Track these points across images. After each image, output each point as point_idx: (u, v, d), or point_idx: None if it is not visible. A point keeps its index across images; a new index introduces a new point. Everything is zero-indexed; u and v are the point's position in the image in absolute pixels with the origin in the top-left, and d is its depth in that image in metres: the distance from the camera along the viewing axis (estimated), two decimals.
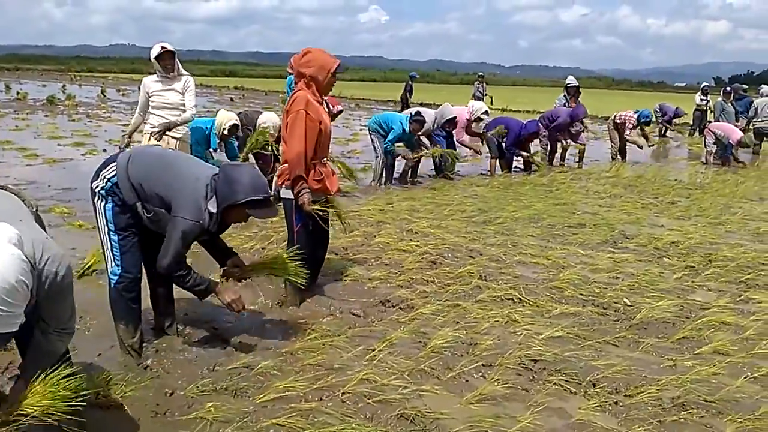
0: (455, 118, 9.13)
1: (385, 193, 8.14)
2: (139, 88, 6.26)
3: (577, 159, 11.62)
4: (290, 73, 10.78)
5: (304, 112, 3.91)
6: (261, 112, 7.88)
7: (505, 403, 3.04)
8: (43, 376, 2.17)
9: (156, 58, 5.72)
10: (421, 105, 22.99)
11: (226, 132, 7.02)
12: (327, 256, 5.02)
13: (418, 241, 5.72)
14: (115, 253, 3.20)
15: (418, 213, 6.95)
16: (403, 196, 7.93)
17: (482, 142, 10.22)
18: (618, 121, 12.10)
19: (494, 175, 9.98)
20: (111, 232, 3.18)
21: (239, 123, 7.14)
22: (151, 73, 5.98)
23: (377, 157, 8.76)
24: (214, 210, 3.09)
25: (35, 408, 2.09)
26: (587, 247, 5.80)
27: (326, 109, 4.17)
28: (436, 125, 9.10)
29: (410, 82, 20.19)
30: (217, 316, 3.94)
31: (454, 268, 4.96)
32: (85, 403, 2.22)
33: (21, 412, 2.10)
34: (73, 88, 31.71)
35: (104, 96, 26.37)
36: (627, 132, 12.06)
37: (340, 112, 8.72)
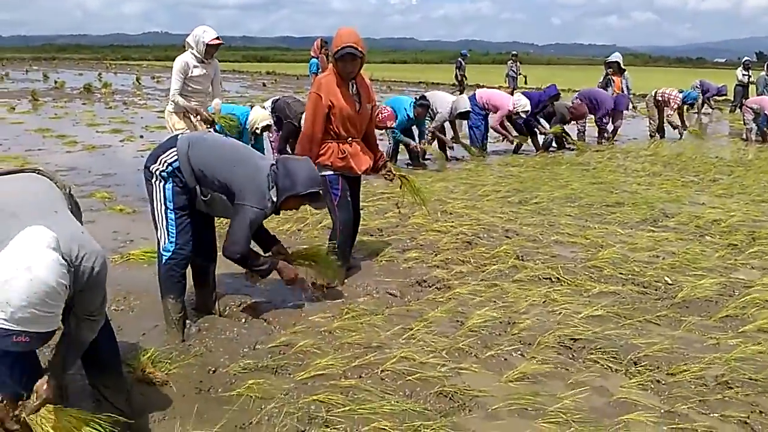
0: (469, 112, 9.02)
1: (418, 175, 8.11)
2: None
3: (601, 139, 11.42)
4: (313, 57, 10.85)
5: (314, 94, 4.04)
6: (298, 100, 7.92)
7: (545, 381, 3.02)
8: (80, 414, 2.20)
9: (208, 44, 5.70)
10: (454, 85, 22.79)
11: (258, 131, 7.11)
12: (362, 238, 5.08)
13: (453, 221, 5.70)
14: (170, 230, 3.33)
15: (453, 194, 6.92)
16: (437, 177, 7.90)
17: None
18: (660, 99, 11.83)
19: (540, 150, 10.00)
20: (168, 211, 3.31)
21: (272, 124, 7.23)
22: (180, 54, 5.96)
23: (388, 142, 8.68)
24: (275, 199, 3.32)
25: None
26: (626, 226, 5.71)
27: (352, 92, 4.13)
28: (450, 115, 8.90)
29: (462, 61, 19.89)
30: (257, 297, 3.99)
31: (490, 248, 4.94)
32: None
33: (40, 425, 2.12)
34: (109, 76, 32.28)
35: (139, 83, 26.74)
36: (670, 112, 11.79)
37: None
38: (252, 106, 7.53)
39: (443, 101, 8.90)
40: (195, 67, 5.81)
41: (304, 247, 4.24)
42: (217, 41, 5.75)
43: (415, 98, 8.58)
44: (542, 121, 10.26)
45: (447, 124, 9.26)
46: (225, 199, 3.34)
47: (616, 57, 12.00)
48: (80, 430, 2.13)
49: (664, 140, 11.70)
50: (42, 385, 2.16)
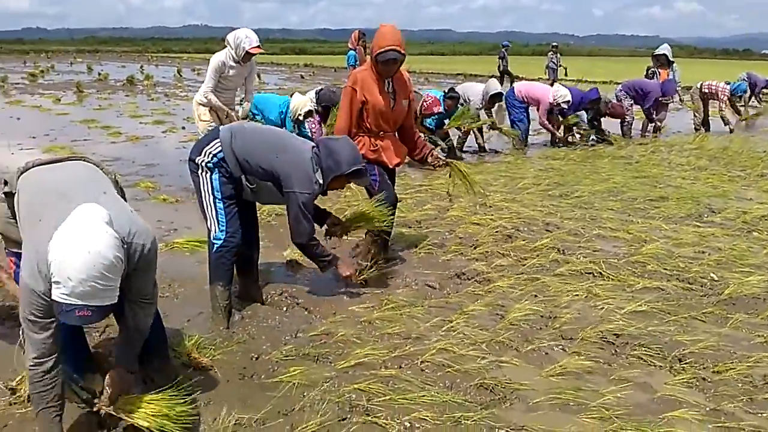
0: (501, 94, 8.91)
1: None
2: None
3: (647, 131, 11.18)
4: (350, 49, 10.85)
5: (350, 88, 4.09)
6: (334, 92, 7.94)
7: (587, 376, 2.99)
8: (157, 392, 2.33)
9: (248, 51, 5.73)
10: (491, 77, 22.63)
11: (301, 117, 7.15)
12: (401, 230, 5.10)
13: (492, 214, 5.67)
14: (220, 219, 3.41)
15: (492, 187, 6.87)
16: (476, 170, 7.84)
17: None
18: (706, 91, 11.52)
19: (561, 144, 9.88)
20: (217, 200, 3.39)
21: (313, 110, 7.26)
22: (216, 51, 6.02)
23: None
24: (321, 181, 3.41)
25: (149, 420, 2.23)
26: (671, 221, 5.60)
27: (388, 90, 4.12)
28: (483, 102, 8.83)
29: (504, 52, 19.68)
30: (298, 286, 4.04)
31: (531, 242, 4.90)
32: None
33: (131, 419, 2.25)
34: (150, 68, 32.87)
35: (180, 76, 27.16)
36: (722, 106, 11.49)
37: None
38: (292, 95, 7.57)
39: (475, 91, 8.87)
40: (231, 67, 5.87)
41: (353, 212, 4.30)
42: (257, 50, 5.78)
43: (444, 91, 8.53)
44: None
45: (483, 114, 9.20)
46: (271, 185, 3.42)
47: (664, 49, 11.67)
48: (151, 410, 2.25)
49: (709, 134, 11.40)
50: (112, 378, 2.28)
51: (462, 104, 8.69)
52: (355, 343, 3.25)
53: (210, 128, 5.76)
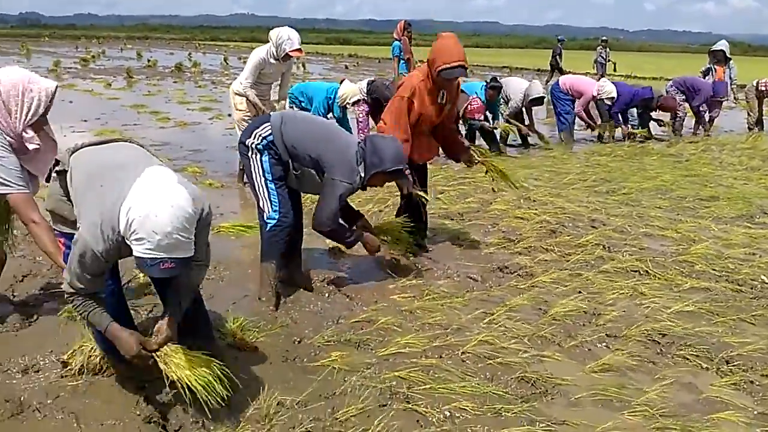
0: (542, 98, 8.77)
1: (501, 161, 7.99)
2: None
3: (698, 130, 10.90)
4: (395, 39, 10.77)
5: (407, 100, 3.95)
6: (387, 86, 7.91)
7: (631, 374, 2.95)
8: (201, 354, 2.40)
9: (288, 53, 5.73)
10: (539, 71, 22.34)
11: (350, 105, 7.18)
12: (443, 221, 5.12)
13: (536, 209, 5.61)
14: (273, 199, 3.49)
15: (536, 181, 6.80)
16: (520, 164, 7.78)
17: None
18: (762, 89, 11.15)
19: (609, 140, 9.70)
20: (269, 182, 3.48)
21: (362, 99, 7.28)
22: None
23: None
24: (363, 174, 3.46)
25: (190, 376, 2.30)
26: (721, 221, 5.46)
27: (441, 100, 4.08)
28: (522, 103, 8.65)
29: (559, 46, 19.35)
30: (340, 273, 4.07)
31: (575, 238, 4.83)
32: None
33: (173, 374, 2.31)
34: (198, 56, 33.39)
35: (227, 63, 27.52)
36: None
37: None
38: (342, 81, 7.59)
39: (516, 89, 8.67)
40: (270, 64, 5.88)
41: (385, 220, 4.35)
42: (298, 53, 5.80)
43: (486, 81, 8.42)
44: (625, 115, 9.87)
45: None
46: (315, 174, 3.46)
47: (721, 45, 11.35)
48: (197, 368, 2.33)
49: (763, 133, 11.04)
50: (163, 325, 2.37)
51: (502, 99, 8.57)
52: (396, 332, 3.27)
53: (246, 118, 5.84)
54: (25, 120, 2.81)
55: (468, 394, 2.71)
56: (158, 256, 2.01)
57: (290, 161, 3.47)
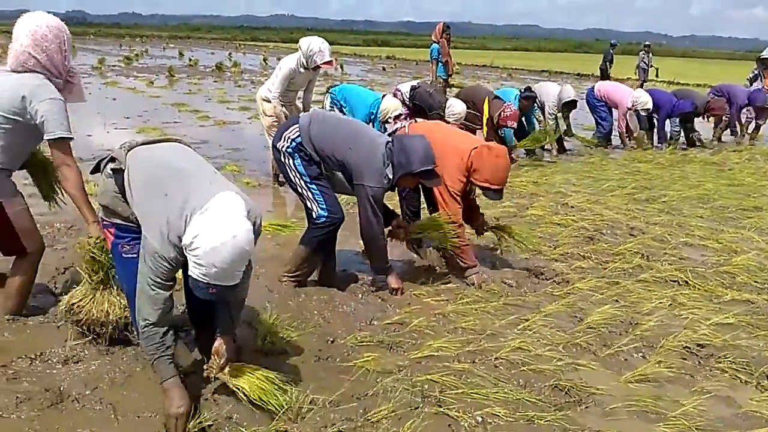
0: (576, 101, 8.64)
1: (538, 166, 7.92)
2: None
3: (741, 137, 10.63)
4: (434, 42, 10.68)
5: (462, 184, 3.89)
6: (436, 90, 7.86)
7: (668, 385, 2.90)
8: (260, 371, 2.55)
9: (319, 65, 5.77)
10: (578, 76, 22.07)
11: (391, 120, 7.14)
12: None
13: (573, 215, 5.54)
14: (317, 198, 3.52)
15: (574, 187, 6.72)
16: (558, 169, 7.70)
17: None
18: None
19: (642, 147, 9.49)
20: (308, 183, 3.50)
21: (403, 113, 7.24)
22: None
23: None
24: (391, 176, 3.39)
25: (249, 390, 2.47)
26: (764, 232, 5.32)
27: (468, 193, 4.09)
28: (557, 109, 8.54)
29: (611, 51, 19.05)
30: (374, 274, 4.07)
31: (613, 245, 4.76)
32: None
33: (234, 384, 2.49)
34: (238, 56, 33.79)
35: (266, 64, 27.78)
36: None
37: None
38: (384, 96, 7.58)
39: (548, 93, 8.57)
40: (300, 73, 5.91)
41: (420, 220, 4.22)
42: (329, 66, 5.84)
43: (520, 90, 8.33)
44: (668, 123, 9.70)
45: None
46: (342, 177, 3.48)
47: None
48: (257, 380, 2.50)
49: None
50: (220, 346, 2.51)
51: (536, 106, 8.47)
52: (429, 335, 3.26)
53: (275, 124, 5.87)
54: (71, 56, 2.98)
55: (500, 400, 2.69)
56: (210, 282, 2.17)
57: (322, 162, 3.49)
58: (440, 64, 10.65)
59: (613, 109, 9.39)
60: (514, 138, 7.78)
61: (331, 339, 3.17)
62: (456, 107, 7.18)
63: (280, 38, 74.18)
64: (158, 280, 2.32)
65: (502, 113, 7.53)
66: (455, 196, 3.88)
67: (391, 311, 3.55)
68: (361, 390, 2.72)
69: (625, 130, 9.35)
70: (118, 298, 2.82)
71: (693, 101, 9.46)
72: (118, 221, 2.58)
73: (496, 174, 3.78)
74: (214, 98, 13.95)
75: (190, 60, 26.84)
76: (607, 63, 18.83)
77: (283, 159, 3.54)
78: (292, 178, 3.52)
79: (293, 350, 3.02)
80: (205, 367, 2.53)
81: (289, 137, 3.49)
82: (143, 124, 9.66)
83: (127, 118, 10.26)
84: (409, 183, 3.58)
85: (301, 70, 5.86)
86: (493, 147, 3.91)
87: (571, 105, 8.63)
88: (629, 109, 9.04)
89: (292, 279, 3.72)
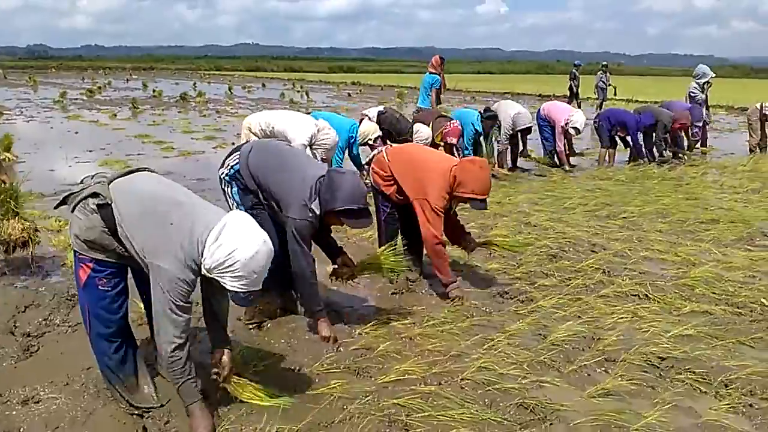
0: (530, 129, 8.87)
1: (501, 186, 8.04)
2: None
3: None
4: (433, 73, 10.45)
5: (440, 212, 4.00)
6: (402, 116, 8.03)
7: (630, 399, 2.95)
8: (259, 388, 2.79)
9: None
10: (540, 97, 22.45)
11: (371, 142, 7.25)
12: None
13: (536, 234, 5.64)
14: None
15: (537, 206, 6.83)
16: (521, 189, 7.82)
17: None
18: (767, 113, 11.21)
19: (603, 165, 9.70)
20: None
21: (380, 135, 7.37)
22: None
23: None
24: (317, 211, 3.26)
25: (251, 397, 2.74)
26: (721, 244, 5.47)
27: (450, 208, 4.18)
28: (511, 130, 8.70)
29: (574, 71, 19.40)
30: (340, 300, 4.09)
31: (576, 262, 4.85)
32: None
33: (237, 393, 2.73)
34: (203, 85, 33.71)
35: (231, 93, 27.76)
36: None
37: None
38: (361, 120, 7.68)
39: (505, 113, 8.72)
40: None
41: (367, 255, 4.14)
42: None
43: (480, 112, 8.50)
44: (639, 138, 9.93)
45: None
46: (275, 208, 3.41)
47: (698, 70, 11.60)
48: (258, 395, 2.75)
49: (764, 155, 11.06)
50: (223, 358, 2.70)
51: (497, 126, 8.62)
52: (396, 359, 3.28)
53: None
54: None
55: (467, 420, 2.72)
56: (251, 290, 2.42)
57: (258, 191, 3.40)
58: (426, 95, 10.20)
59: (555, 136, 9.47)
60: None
61: (298, 367, 3.17)
62: (423, 131, 7.37)
63: (245, 67, 74.24)
64: (180, 303, 2.42)
65: (444, 130, 7.75)
66: (439, 213, 3.97)
67: (358, 336, 3.56)
68: (328, 418, 2.72)
69: (562, 149, 9.34)
70: None
71: (653, 114, 9.72)
72: (98, 256, 2.57)
73: (481, 184, 3.91)
74: (179, 129, 13.90)
75: (154, 91, 26.73)
76: (572, 83, 19.25)
77: (222, 186, 3.53)
78: (230, 206, 3.50)
79: (259, 380, 3.00)
80: (212, 377, 2.71)
81: (229, 164, 3.47)
82: (106, 157, 9.59)
83: (90, 151, 10.17)
84: (334, 222, 3.35)
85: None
86: (475, 159, 4.10)
87: (526, 131, 8.85)
88: (562, 127, 9.16)
89: (251, 325, 3.64)
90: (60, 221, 5.63)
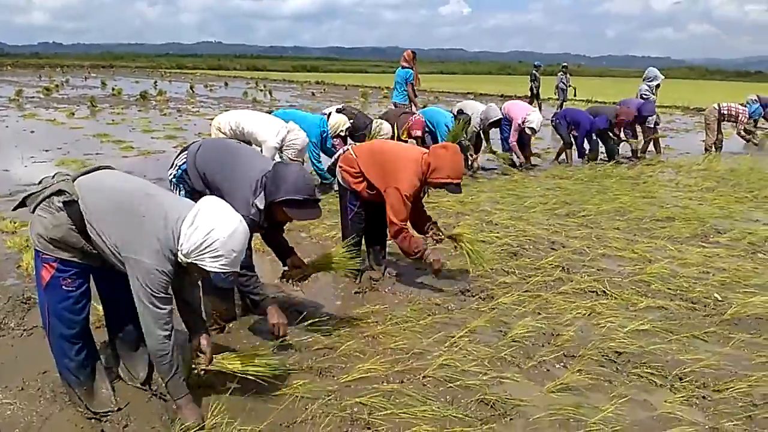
0: (501, 120, 8.98)
1: (463, 185, 8.08)
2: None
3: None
4: (406, 67, 10.46)
5: (408, 196, 4.04)
6: (361, 112, 8.10)
7: (587, 393, 3.02)
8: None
9: None
10: (502, 97, 22.73)
11: (343, 134, 7.33)
12: None
13: (498, 232, 5.71)
14: None
15: (498, 205, 6.91)
16: (483, 188, 7.90)
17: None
18: (726, 113, 11.53)
19: (563, 163, 9.92)
20: None
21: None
22: None
23: None
24: (261, 206, 3.10)
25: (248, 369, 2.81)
26: (676, 241, 5.62)
27: (421, 194, 4.29)
28: (481, 125, 8.84)
29: (536, 73, 19.61)
30: (303, 300, 4.09)
31: (535, 260, 4.93)
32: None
33: (223, 367, 2.81)
34: (164, 84, 33.24)
35: (193, 91, 27.42)
36: (740, 127, 11.63)
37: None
38: (329, 114, 7.72)
39: (474, 108, 8.91)
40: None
41: (318, 255, 4.04)
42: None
43: (453, 113, 8.60)
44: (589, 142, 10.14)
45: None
46: None
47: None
48: (247, 361, 2.86)
49: (719, 155, 11.39)
50: (202, 343, 2.76)
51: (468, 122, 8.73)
52: (358, 358, 3.29)
53: None
54: None
55: (428, 418, 2.74)
56: (230, 270, 2.44)
57: (207, 191, 3.24)
58: (400, 90, 10.25)
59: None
60: None
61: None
62: (385, 127, 7.47)
63: (207, 65, 73.35)
64: (160, 294, 2.43)
65: (407, 125, 7.90)
66: (407, 201, 4.03)
67: (321, 336, 3.56)
68: (290, 418, 2.72)
69: (515, 143, 9.34)
70: None
71: (607, 117, 9.90)
72: (63, 256, 2.53)
73: (455, 168, 4.04)
74: (139, 128, 13.66)
75: (113, 89, 26.22)
76: (533, 84, 19.50)
77: (170, 188, 3.41)
78: None
79: (220, 381, 2.98)
80: (192, 365, 2.75)
81: (177, 164, 3.39)
82: (63, 157, 9.37)
83: (47, 150, 9.92)
84: (281, 215, 3.13)
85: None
86: (448, 145, 4.19)
87: (496, 124, 8.93)
88: (519, 125, 9.18)
89: (213, 330, 3.53)
90: (15, 222, 5.49)
